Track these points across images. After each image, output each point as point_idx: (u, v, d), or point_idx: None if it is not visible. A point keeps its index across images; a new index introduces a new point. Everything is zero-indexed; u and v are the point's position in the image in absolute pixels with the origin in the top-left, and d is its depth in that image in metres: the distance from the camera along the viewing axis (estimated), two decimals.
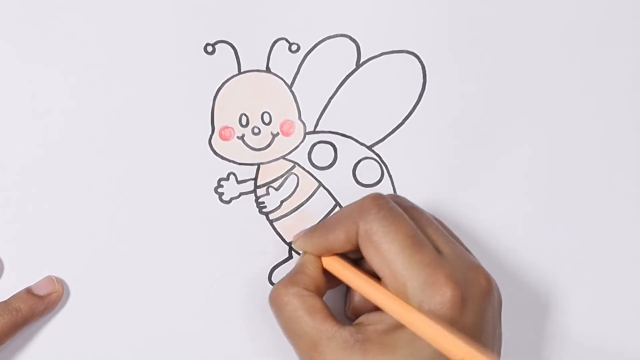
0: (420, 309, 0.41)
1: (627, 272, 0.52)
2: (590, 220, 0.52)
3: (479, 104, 0.51)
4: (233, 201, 0.50)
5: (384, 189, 0.50)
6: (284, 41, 0.50)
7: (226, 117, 0.50)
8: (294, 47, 0.50)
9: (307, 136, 0.50)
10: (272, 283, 0.50)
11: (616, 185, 0.52)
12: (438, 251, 0.43)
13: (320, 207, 0.50)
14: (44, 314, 0.48)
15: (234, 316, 0.50)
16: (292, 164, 0.50)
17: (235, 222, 0.50)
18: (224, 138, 0.50)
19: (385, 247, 0.42)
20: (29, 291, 0.48)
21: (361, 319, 0.45)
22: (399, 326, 0.42)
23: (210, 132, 0.49)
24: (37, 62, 0.49)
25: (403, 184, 0.50)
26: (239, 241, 0.50)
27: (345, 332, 0.43)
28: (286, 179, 0.50)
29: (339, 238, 0.45)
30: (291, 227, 0.50)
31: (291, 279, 0.45)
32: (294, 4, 0.50)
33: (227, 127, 0.50)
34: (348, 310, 0.48)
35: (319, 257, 0.46)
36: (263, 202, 0.50)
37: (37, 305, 0.48)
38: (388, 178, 0.50)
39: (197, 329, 0.50)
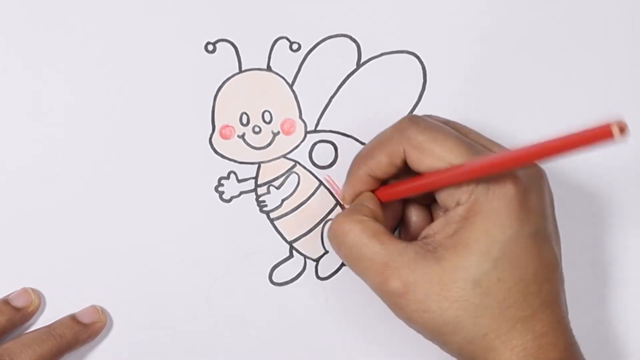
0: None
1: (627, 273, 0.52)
2: (590, 220, 0.52)
3: (479, 104, 0.51)
4: (233, 200, 0.50)
5: None
6: (284, 40, 0.50)
7: (227, 115, 0.50)
8: (295, 46, 0.50)
9: (307, 135, 0.50)
10: (272, 283, 0.50)
11: (617, 184, 0.52)
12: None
13: (321, 205, 0.50)
14: (86, 342, 0.48)
15: (234, 316, 0.50)
16: (292, 163, 0.50)
17: (236, 221, 0.50)
18: (224, 137, 0.50)
19: (438, 150, 0.42)
20: (73, 318, 0.48)
21: (424, 233, 0.44)
22: (465, 223, 0.41)
23: (210, 131, 0.49)
24: (37, 61, 0.49)
25: None
26: (240, 240, 0.50)
27: (414, 246, 0.42)
28: (287, 177, 0.50)
29: (381, 162, 0.44)
30: (292, 226, 0.50)
31: (351, 210, 0.45)
32: (295, 3, 0.50)
33: (227, 126, 0.50)
34: (405, 236, 0.48)
35: (372, 192, 0.46)
36: (264, 201, 0.50)
37: (81, 333, 0.48)
38: None
39: (197, 329, 0.50)
